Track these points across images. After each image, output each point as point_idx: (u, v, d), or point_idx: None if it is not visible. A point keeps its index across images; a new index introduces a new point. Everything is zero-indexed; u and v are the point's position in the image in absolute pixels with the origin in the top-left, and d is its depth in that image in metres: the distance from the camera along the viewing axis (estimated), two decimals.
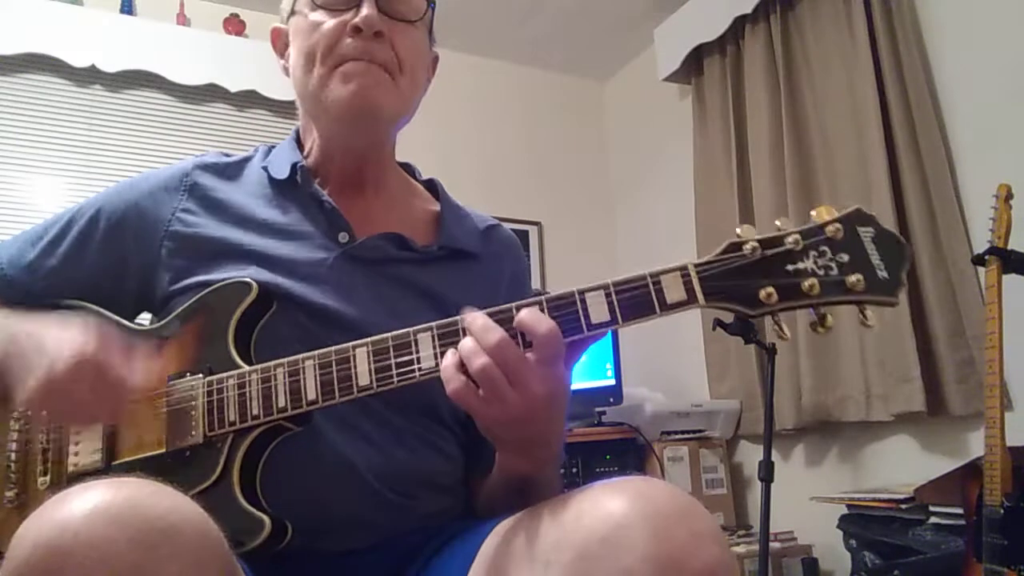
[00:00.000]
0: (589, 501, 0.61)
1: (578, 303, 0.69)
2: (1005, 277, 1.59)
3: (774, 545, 2.20)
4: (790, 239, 0.67)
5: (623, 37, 3.31)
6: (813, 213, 0.69)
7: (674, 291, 0.68)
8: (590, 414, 2.61)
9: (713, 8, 2.82)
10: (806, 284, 0.66)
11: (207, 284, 0.84)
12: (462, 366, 0.68)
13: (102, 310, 0.90)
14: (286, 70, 0.97)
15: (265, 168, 0.96)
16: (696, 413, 2.65)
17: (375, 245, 0.90)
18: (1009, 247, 1.60)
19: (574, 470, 2.49)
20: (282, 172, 0.93)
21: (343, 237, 0.89)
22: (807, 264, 0.67)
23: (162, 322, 0.86)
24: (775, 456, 2.08)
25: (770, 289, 0.66)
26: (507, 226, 1.05)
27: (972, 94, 2.11)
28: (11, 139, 2.55)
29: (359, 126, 0.91)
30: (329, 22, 0.89)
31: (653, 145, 3.36)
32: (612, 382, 2.59)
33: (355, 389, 0.74)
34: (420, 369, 0.72)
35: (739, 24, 2.79)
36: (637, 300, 0.68)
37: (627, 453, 2.56)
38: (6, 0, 2.46)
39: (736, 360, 2.70)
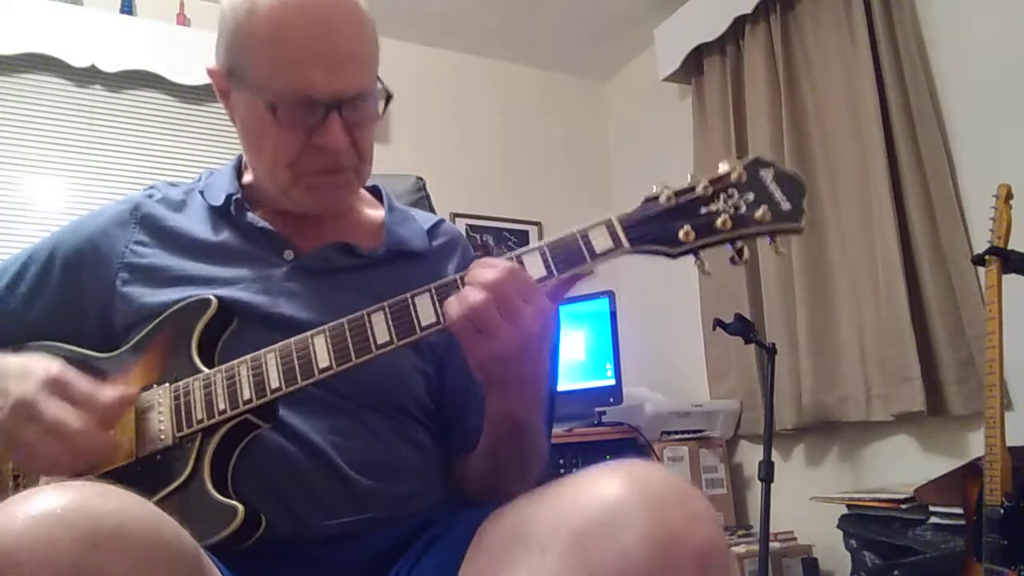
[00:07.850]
0: (585, 484, 0.62)
1: (514, 262, 0.75)
2: (1005, 277, 1.59)
3: (774, 545, 2.20)
4: (700, 186, 0.74)
5: (623, 37, 3.31)
6: (720, 165, 0.75)
7: (601, 241, 0.75)
8: (590, 414, 2.61)
9: (713, 8, 2.82)
10: (719, 221, 0.73)
11: (163, 309, 0.86)
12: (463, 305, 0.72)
13: (65, 345, 0.90)
14: (232, 118, 0.92)
15: (202, 193, 0.98)
16: (696, 413, 2.65)
17: (322, 256, 0.93)
18: (1009, 247, 1.60)
19: (574, 470, 2.48)
20: (217, 200, 0.95)
21: (288, 255, 0.92)
22: (718, 205, 0.73)
23: (127, 346, 0.88)
24: (775, 456, 2.08)
25: (687, 228, 0.73)
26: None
27: (972, 94, 2.11)
28: (11, 139, 2.54)
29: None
30: (288, 133, 0.85)
31: (653, 145, 3.36)
32: (612, 382, 2.58)
33: (316, 371, 0.77)
34: (376, 344, 0.76)
35: (739, 24, 2.79)
36: (568, 253, 0.75)
37: (627, 453, 2.55)
38: (6, 0, 2.46)
39: (736, 360, 2.70)
